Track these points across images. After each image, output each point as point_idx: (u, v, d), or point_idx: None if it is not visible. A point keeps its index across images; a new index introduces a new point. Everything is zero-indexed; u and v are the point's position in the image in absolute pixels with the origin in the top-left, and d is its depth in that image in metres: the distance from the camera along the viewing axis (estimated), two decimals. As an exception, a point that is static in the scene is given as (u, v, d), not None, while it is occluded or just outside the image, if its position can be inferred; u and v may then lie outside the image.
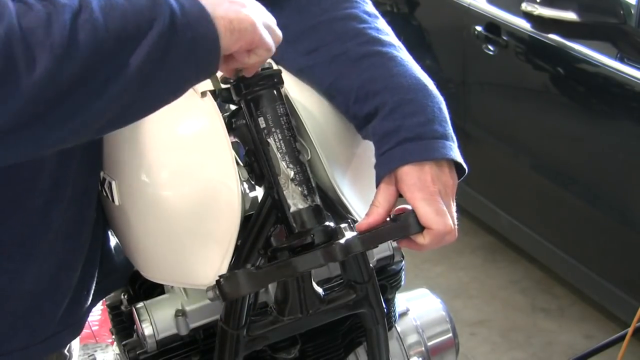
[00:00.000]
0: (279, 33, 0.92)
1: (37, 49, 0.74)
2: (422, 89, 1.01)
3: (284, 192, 0.97)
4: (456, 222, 1.00)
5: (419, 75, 1.03)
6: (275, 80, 0.98)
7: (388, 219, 0.98)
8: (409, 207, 0.98)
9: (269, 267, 0.92)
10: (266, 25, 0.89)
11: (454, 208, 1.00)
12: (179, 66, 0.82)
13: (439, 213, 0.96)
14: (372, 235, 0.96)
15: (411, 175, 0.97)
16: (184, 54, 0.81)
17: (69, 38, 0.76)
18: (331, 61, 1.05)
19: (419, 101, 1.00)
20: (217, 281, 0.90)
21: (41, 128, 0.78)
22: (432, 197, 0.96)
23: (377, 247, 1.02)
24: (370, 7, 1.11)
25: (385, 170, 0.99)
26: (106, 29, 0.77)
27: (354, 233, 0.96)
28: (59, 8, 0.76)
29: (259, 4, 0.90)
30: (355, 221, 1.03)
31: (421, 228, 0.97)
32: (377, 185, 1.00)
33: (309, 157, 1.03)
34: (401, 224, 0.97)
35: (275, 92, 0.97)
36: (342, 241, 0.94)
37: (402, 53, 1.06)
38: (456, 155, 1.00)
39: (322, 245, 0.94)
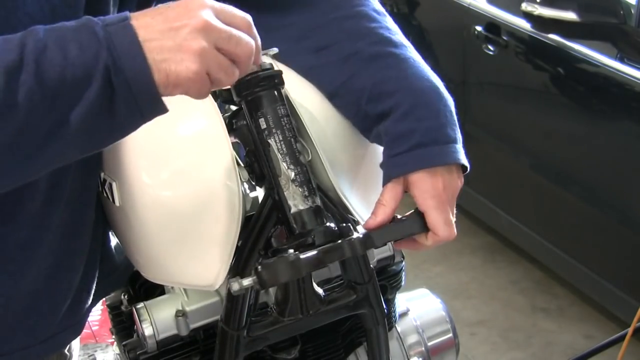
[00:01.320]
0: (247, 44, 0.84)
1: None
2: (435, 92, 1.02)
3: (285, 193, 0.97)
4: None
5: (432, 77, 1.03)
6: (276, 81, 0.98)
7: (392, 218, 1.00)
8: None
9: (304, 257, 0.92)
10: (222, 49, 0.82)
11: (454, 211, 1.02)
12: (123, 116, 0.81)
13: (447, 223, 0.99)
14: (387, 231, 0.98)
15: (424, 182, 0.98)
16: (126, 107, 0.80)
17: (6, 100, 0.75)
18: (344, 61, 1.05)
19: (433, 104, 1.00)
20: (255, 269, 0.90)
21: None
22: (443, 206, 0.99)
23: (386, 244, 1.04)
24: (378, 5, 1.11)
25: (397, 172, 1.00)
26: (43, 88, 0.76)
27: (364, 231, 0.98)
28: None
29: (215, 14, 0.83)
30: (356, 222, 1.03)
31: (427, 228, 1.00)
32: (384, 184, 1.01)
33: (310, 158, 1.03)
34: (410, 223, 0.99)
35: (275, 93, 0.97)
36: (361, 235, 0.96)
37: (413, 54, 1.06)
38: (464, 159, 1.01)
39: (322, 246, 0.94)
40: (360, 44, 1.04)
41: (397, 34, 1.07)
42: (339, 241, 0.94)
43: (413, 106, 1.00)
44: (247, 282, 0.91)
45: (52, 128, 0.78)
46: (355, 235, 0.96)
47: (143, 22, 0.80)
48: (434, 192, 0.98)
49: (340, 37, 1.06)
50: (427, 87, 1.01)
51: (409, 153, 0.99)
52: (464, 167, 1.02)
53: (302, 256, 0.91)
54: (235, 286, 0.90)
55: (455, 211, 1.02)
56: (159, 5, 0.84)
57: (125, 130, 0.85)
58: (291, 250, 0.92)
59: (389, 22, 1.09)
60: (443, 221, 0.98)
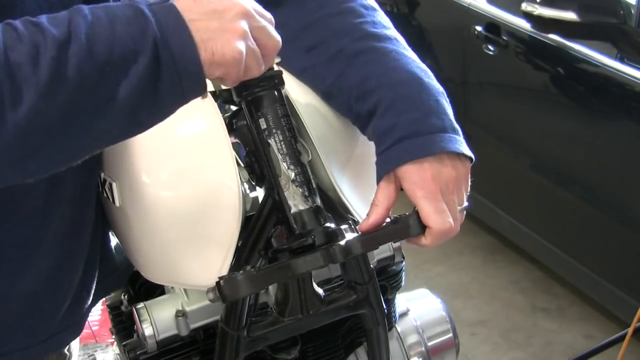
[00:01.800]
0: (276, 38, 0.88)
1: (24, 86, 0.74)
2: (417, 83, 1.00)
3: (285, 193, 0.97)
4: (463, 214, 1.00)
5: (414, 69, 1.01)
6: (276, 81, 0.98)
7: (388, 219, 0.98)
8: None
9: (268, 269, 0.92)
10: (257, 38, 0.85)
11: (465, 200, 1.00)
12: (166, 95, 0.81)
13: (438, 211, 0.95)
14: (372, 237, 0.96)
15: (411, 174, 0.96)
16: (170, 85, 0.80)
17: (56, 74, 0.75)
18: (330, 60, 1.04)
19: (414, 96, 0.98)
20: (217, 283, 0.90)
21: (29, 160, 0.79)
22: (432, 195, 0.95)
23: (377, 248, 1.02)
24: (367, 0, 1.09)
25: (384, 169, 0.98)
26: (93, 61, 0.77)
27: (355, 234, 0.96)
28: (47, 39, 0.76)
29: (252, 7, 0.86)
30: (356, 222, 1.03)
31: (422, 229, 0.96)
32: (378, 183, 1.00)
33: (310, 158, 1.03)
34: (402, 226, 0.96)
35: (276, 93, 0.97)
36: (342, 243, 0.94)
37: (398, 46, 1.04)
38: (457, 146, 0.98)
39: (322, 246, 0.94)
40: (344, 40, 1.03)
41: (383, 27, 1.05)
42: (313, 251, 0.93)
43: (393, 100, 0.98)
44: (210, 296, 0.92)
45: (99, 104, 0.78)
46: (340, 241, 0.94)
47: (186, 4, 0.81)
48: (422, 183, 0.95)
49: (327, 36, 1.05)
50: (407, 79, 0.99)
51: (393, 148, 0.97)
52: (464, 158, 0.99)
53: (264, 269, 0.91)
54: (210, 295, 0.91)
55: (465, 205, 0.99)
56: None
57: (167, 110, 0.85)
58: (249, 267, 0.92)
59: (377, 16, 1.07)
60: (434, 210, 0.95)
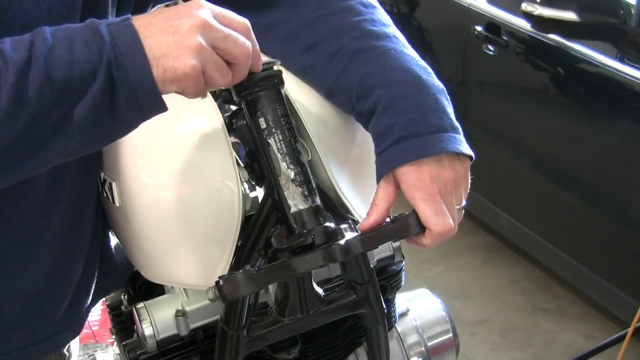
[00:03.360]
0: (243, 45, 0.87)
1: None
2: (416, 82, 0.99)
3: (285, 193, 0.97)
4: (461, 213, 0.99)
5: (414, 67, 1.00)
6: (276, 81, 0.97)
7: (388, 219, 0.98)
8: None
9: (268, 269, 0.92)
10: (219, 48, 0.85)
11: (463, 199, 0.99)
12: (124, 113, 0.84)
13: (438, 213, 0.95)
14: (372, 236, 0.96)
15: (409, 176, 0.95)
16: (126, 102, 0.83)
17: (16, 99, 0.79)
18: (330, 58, 1.03)
19: (413, 96, 0.98)
20: (217, 282, 0.90)
21: None
22: (431, 197, 0.95)
23: (377, 247, 1.02)
24: None
25: (383, 170, 0.98)
26: (52, 84, 0.80)
27: (355, 233, 0.96)
28: (8, 65, 0.79)
29: (215, 15, 0.86)
30: (356, 221, 1.03)
31: (422, 228, 0.96)
32: (377, 183, 1.00)
33: (310, 158, 1.03)
34: (401, 225, 0.96)
35: (275, 93, 0.97)
36: (342, 242, 0.94)
37: (398, 45, 1.03)
38: (456, 145, 0.97)
39: (322, 246, 0.94)
40: (344, 39, 1.03)
41: (382, 25, 1.05)
42: (312, 250, 0.93)
43: (392, 100, 0.97)
44: (209, 295, 0.92)
45: (58, 121, 0.81)
46: (340, 240, 0.94)
47: (144, 21, 0.83)
48: (420, 185, 0.94)
49: (326, 34, 1.04)
50: (407, 78, 0.99)
51: (391, 148, 0.96)
52: (465, 157, 0.98)
53: (264, 268, 0.91)
54: (210, 295, 0.91)
55: (464, 203, 0.99)
56: (160, 5, 0.86)
57: (126, 127, 0.87)
58: (248, 266, 0.92)
59: (377, 13, 1.06)
60: (433, 212, 0.94)
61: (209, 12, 0.85)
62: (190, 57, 0.82)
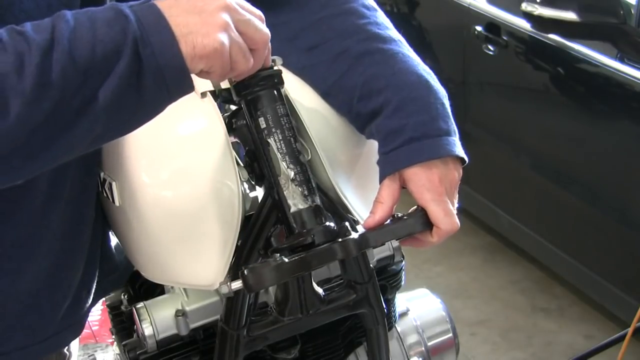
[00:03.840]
0: (263, 31, 0.88)
1: (10, 95, 0.77)
2: (425, 86, 1.01)
3: (284, 193, 0.97)
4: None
5: (421, 71, 1.03)
6: (276, 80, 0.98)
7: (391, 218, 0.99)
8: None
9: (291, 260, 0.92)
10: (242, 32, 0.86)
11: (456, 202, 1.02)
12: (151, 93, 0.83)
13: (447, 213, 0.98)
14: (385, 231, 0.98)
15: (420, 176, 0.98)
16: (153, 82, 0.82)
17: (41, 80, 0.78)
18: (334, 59, 1.05)
19: (423, 99, 1.00)
20: (241, 272, 0.90)
21: (17, 161, 0.81)
22: (440, 197, 0.98)
23: (384, 244, 1.03)
24: (368, 0, 1.10)
25: (391, 169, 1.00)
26: (75, 65, 0.79)
27: (358, 231, 0.97)
28: (32, 47, 0.78)
29: (236, 1, 0.87)
30: (355, 221, 1.03)
31: (429, 226, 0.99)
32: (381, 182, 1.01)
33: (309, 158, 1.03)
34: (411, 221, 0.98)
35: (275, 93, 0.97)
36: (356, 236, 0.95)
37: (403, 48, 1.05)
38: (459, 150, 1.01)
39: (337, 240, 0.94)
40: (349, 41, 1.04)
41: (386, 28, 1.07)
42: (329, 243, 0.94)
43: (403, 101, 1.00)
44: (235, 285, 0.92)
45: (82, 104, 0.80)
46: (350, 235, 0.95)
47: (167, 3, 0.83)
48: (430, 185, 0.98)
49: (330, 36, 1.06)
50: (416, 81, 1.01)
51: (401, 149, 0.98)
52: (462, 160, 1.02)
53: (288, 259, 0.91)
54: (224, 289, 0.91)
55: (457, 204, 1.01)
56: None
57: (152, 109, 0.86)
58: (276, 255, 0.92)
59: (379, 17, 1.08)
60: (443, 212, 0.98)
61: None
62: (218, 33, 0.82)
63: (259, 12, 0.90)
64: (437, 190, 0.98)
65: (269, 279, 0.90)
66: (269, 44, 0.91)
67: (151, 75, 0.81)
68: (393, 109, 1.00)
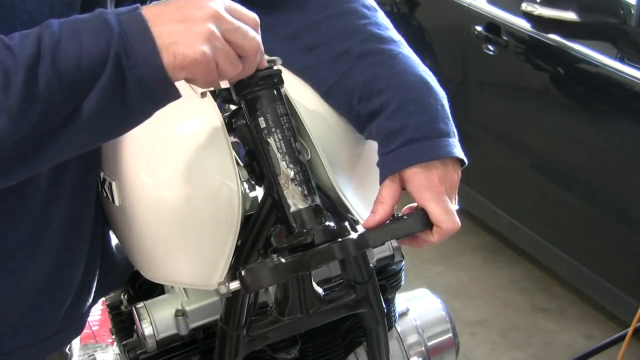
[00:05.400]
0: (254, 39, 0.87)
1: None
2: (425, 87, 1.02)
3: (284, 192, 0.97)
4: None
5: (422, 72, 1.03)
6: (276, 80, 0.98)
7: (391, 217, 0.99)
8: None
9: (289, 260, 0.92)
10: (230, 40, 0.85)
11: (455, 203, 1.02)
12: (136, 103, 0.84)
13: (447, 212, 0.98)
14: (384, 231, 0.97)
15: (419, 176, 0.98)
16: (138, 93, 0.83)
17: (27, 96, 0.79)
18: (334, 59, 1.05)
19: (423, 99, 1.00)
20: (239, 273, 0.90)
21: (5, 167, 0.83)
22: (440, 196, 0.98)
23: (384, 244, 1.03)
24: (368, 0, 1.10)
25: (391, 169, 1.00)
26: (61, 78, 0.80)
27: (358, 231, 0.97)
28: (18, 62, 0.79)
29: (227, 8, 0.86)
30: (355, 221, 1.03)
31: (429, 226, 0.98)
32: (381, 182, 1.01)
33: (309, 157, 1.03)
34: (411, 221, 0.98)
35: (275, 92, 0.97)
36: (354, 236, 0.95)
37: (404, 49, 1.05)
38: (459, 152, 1.01)
39: (336, 240, 0.94)
40: (349, 42, 1.04)
41: (387, 29, 1.07)
42: (328, 243, 0.93)
43: (403, 102, 1.00)
44: (233, 285, 0.92)
45: (68, 114, 0.81)
46: (349, 235, 0.95)
47: (154, 11, 0.83)
48: (430, 185, 0.98)
49: (331, 36, 1.06)
50: (416, 82, 1.01)
51: (401, 149, 0.98)
52: (461, 162, 1.02)
53: (285, 260, 0.91)
54: (222, 289, 0.91)
55: (457, 206, 1.01)
56: None
57: (139, 117, 0.87)
58: (274, 255, 0.92)
59: (379, 17, 1.08)
60: (444, 212, 0.97)
61: (220, 3, 0.85)
62: (200, 43, 0.82)
63: (252, 17, 0.89)
64: (437, 189, 0.98)
65: (266, 279, 0.90)
66: (262, 48, 0.90)
67: (135, 87, 0.82)
68: (393, 110, 1.00)
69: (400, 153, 0.99)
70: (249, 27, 0.87)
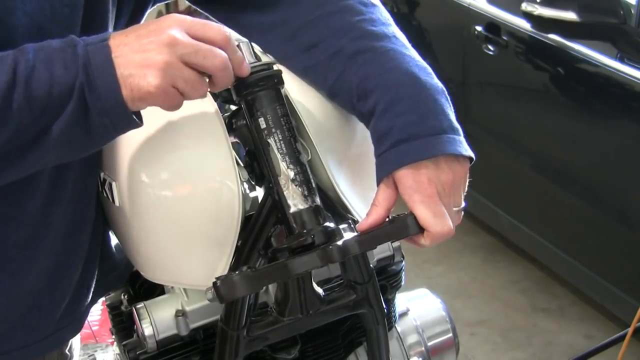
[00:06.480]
0: (216, 58, 0.87)
1: None
2: (415, 83, 0.98)
3: (284, 193, 0.97)
4: (460, 215, 1.00)
5: (412, 68, 0.99)
6: (276, 80, 0.98)
7: (387, 219, 0.98)
8: None
9: (265, 269, 0.92)
10: (190, 64, 0.85)
11: (462, 201, 0.99)
12: (98, 130, 0.87)
13: (436, 215, 0.95)
14: (370, 237, 0.95)
15: (407, 178, 0.95)
16: (99, 122, 0.86)
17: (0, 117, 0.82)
18: (330, 59, 1.03)
19: (411, 98, 0.97)
20: (214, 283, 0.90)
21: None
22: (429, 199, 0.95)
23: (374, 248, 1.02)
24: None
25: (382, 172, 0.98)
26: (32, 104, 0.83)
27: (354, 233, 0.96)
28: None
29: (186, 29, 0.86)
30: (355, 221, 1.03)
31: (420, 229, 0.96)
32: (377, 185, 1.00)
33: (309, 158, 1.03)
34: (399, 225, 0.95)
35: (275, 93, 0.97)
36: (339, 243, 0.93)
37: (397, 44, 1.02)
38: (455, 147, 0.97)
39: (320, 246, 0.93)
40: (343, 40, 1.02)
41: (382, 25, 1.04)
42: (308, 252, 0.92)
43: (390, 102, 0.97)
44: (209, 295, 0.92)
45: (35, 137, 0.85)
46: (336, 240, 0.93)
47: (118, 41, 0.85)
48: (418, 187, 0.94)
49: (326, 34, 1.04)
50: (405, 80, 0.98)
51: (389, 151, 0.96)
52: (463, 158, 0.98)
53: (261, 268, 0.92)
54: (209, 295, 0.92)
55: (462, 205, 0.99)
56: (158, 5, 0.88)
57: (101, 142, 0.92)
58: (245, 268, 0.91)
59: (376, 12, 1.05)
60: (432, 214, 0.94)
61: (178, 29, 0.85)
62: (153, 75, 0.83)
63: (219, 32, 0.88)
64: (425, 191, 0.94)
65: (241, 289, 0.90)
66: (239, 57, 0.91)
67: (97, 117, 0.85)
68: (382, 111, 0.97)
69: (388, 155, 0.96)
70: (212, 45, 0.87)
